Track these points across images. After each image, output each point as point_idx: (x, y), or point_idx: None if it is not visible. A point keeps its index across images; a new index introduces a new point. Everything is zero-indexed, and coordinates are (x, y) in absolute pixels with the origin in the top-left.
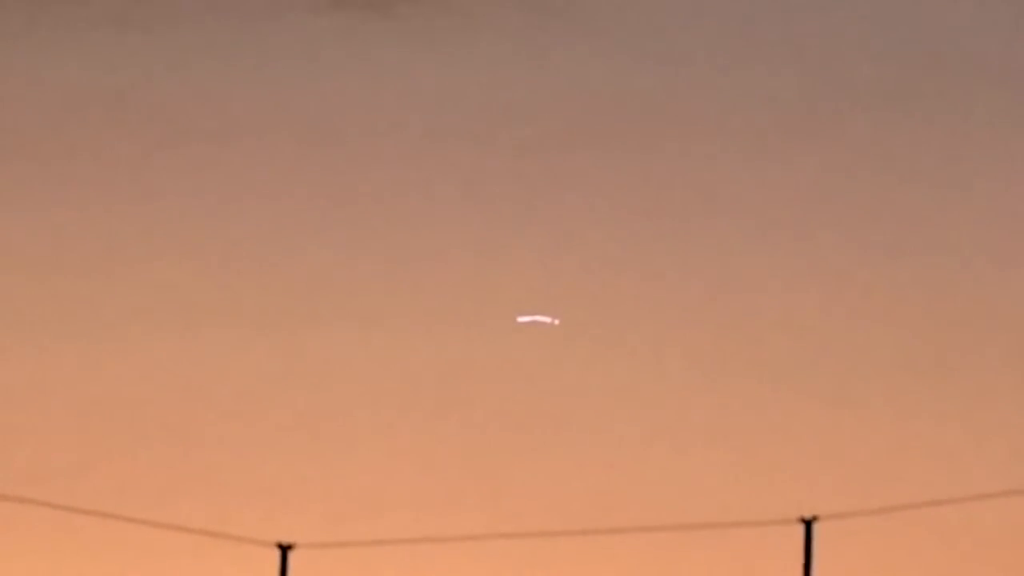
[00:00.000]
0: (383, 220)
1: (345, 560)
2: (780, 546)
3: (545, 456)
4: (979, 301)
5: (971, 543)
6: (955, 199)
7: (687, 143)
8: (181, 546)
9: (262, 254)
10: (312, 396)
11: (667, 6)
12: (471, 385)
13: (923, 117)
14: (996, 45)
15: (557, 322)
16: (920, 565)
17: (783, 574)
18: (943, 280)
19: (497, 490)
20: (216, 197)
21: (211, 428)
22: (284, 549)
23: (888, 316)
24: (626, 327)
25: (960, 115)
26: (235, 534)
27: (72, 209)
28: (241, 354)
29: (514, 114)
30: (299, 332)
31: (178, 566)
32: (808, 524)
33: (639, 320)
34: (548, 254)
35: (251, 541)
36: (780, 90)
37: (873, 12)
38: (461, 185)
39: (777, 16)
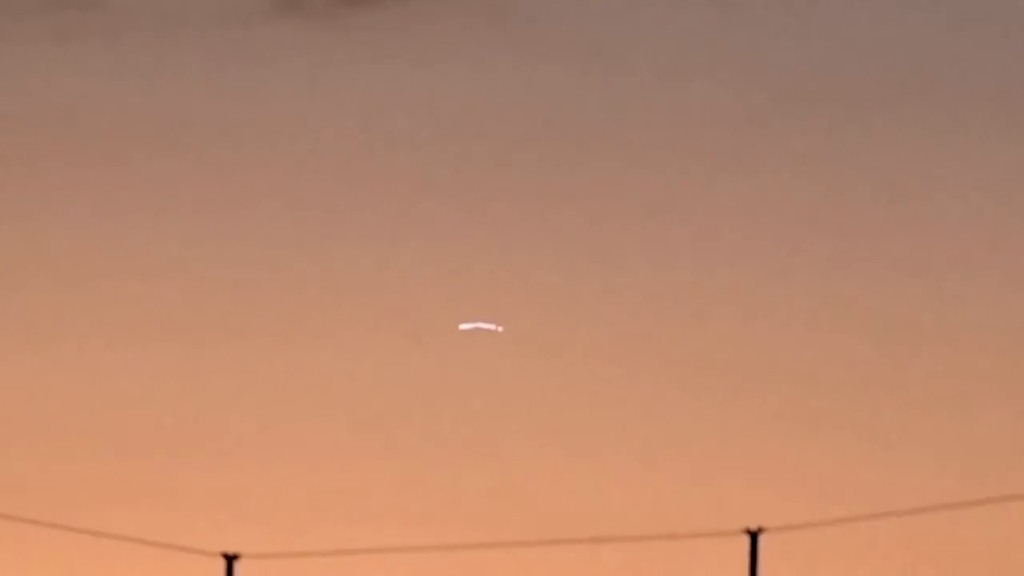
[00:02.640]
0: (323, 232)
1: (290, 570)
2: (726, 557)
3: (488, 467)
4: (930, 319)
5: (916, 555)
6: (912, 215)
7: (636, 153)
8: (127, 556)
9: (205, 268)
10: (257, 408)
11: (620, 23)
12: (414, 395)
13: (879, 130)
14: (960, 61)
15: (500, 329)
16: None
17: None
18: (893, 298)
19: (441, 501)
20: (154, 212)
21: (157, 440)
22: (230, 559)
23: (837, 332)
24: (570, 337)
25: (922, 129)
26: (181, 544)
27: (33, 222)
28: (187, 367)
29: (458, 125)
30: (243, 346)
31: None
32: (754, 536)
33: (583, 329)
34: (492, 261)
35: (197, 551)
36: (733, 103)
37: (837, 27)
38: (404, 193)
39: (728, 30)
